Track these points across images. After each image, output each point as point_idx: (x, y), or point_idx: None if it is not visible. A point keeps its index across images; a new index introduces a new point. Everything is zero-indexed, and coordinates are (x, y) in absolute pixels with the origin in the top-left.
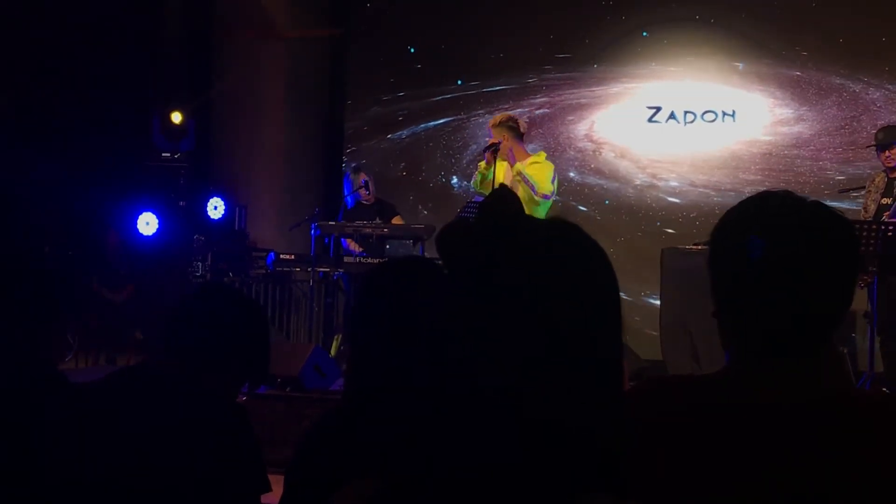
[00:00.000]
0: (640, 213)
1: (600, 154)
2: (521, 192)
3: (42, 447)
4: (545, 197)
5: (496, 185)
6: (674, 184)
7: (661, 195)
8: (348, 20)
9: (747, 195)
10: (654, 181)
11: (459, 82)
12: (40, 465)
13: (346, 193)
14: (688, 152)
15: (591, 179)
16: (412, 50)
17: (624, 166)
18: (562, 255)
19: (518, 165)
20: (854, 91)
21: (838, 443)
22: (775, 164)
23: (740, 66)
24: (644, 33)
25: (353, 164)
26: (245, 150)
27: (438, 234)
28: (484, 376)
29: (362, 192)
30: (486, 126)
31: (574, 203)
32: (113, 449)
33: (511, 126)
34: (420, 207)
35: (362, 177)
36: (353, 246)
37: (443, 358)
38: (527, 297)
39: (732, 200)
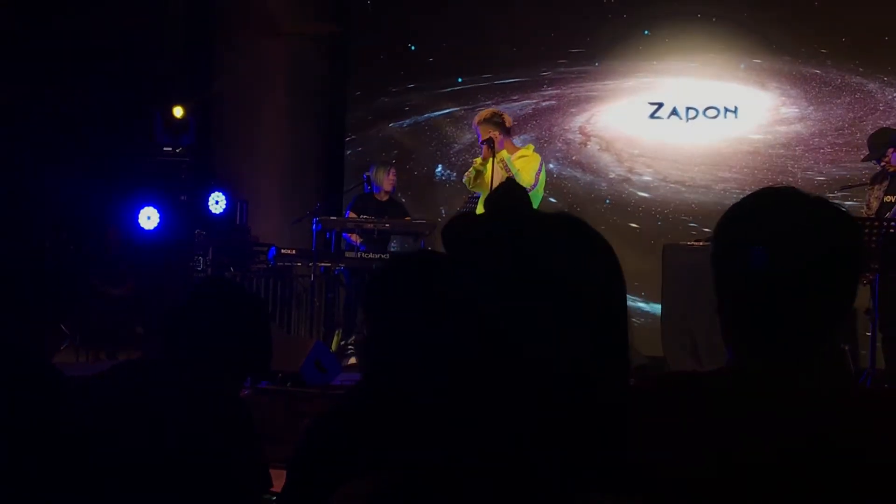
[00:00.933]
0: (612, 205)
1: (585, 147)
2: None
3: (43, 443)
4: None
5: (493, 182)
6: (647, 178)
7: (633, 189)
8: (349, 17)
9: (719, 192)
10: (630, 175)
11: (459, 80)
12: (42, 461)
13: (363, 179)
14: (672, 148)
15: (568, 171)
16: (412, 48)
17: (605, 160)
18: (567, 249)
19: (504, 153)
20: (869, 90)
21: (839, 441)
22: (760, 162)
23: (742, 64)
24: (646, 31)
25: (383, 162)
26: (247, 145)
27: (445, 226)
28: (485, 375)
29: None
30: (473, 124)
31: (545, 193)
32: (113, 443)
33: (497, 122)
34: (399, 195)
35: (387, 173)
36: (355, 238)
37: (445, 357)
38: (531, 292)
39: (703, 197)
